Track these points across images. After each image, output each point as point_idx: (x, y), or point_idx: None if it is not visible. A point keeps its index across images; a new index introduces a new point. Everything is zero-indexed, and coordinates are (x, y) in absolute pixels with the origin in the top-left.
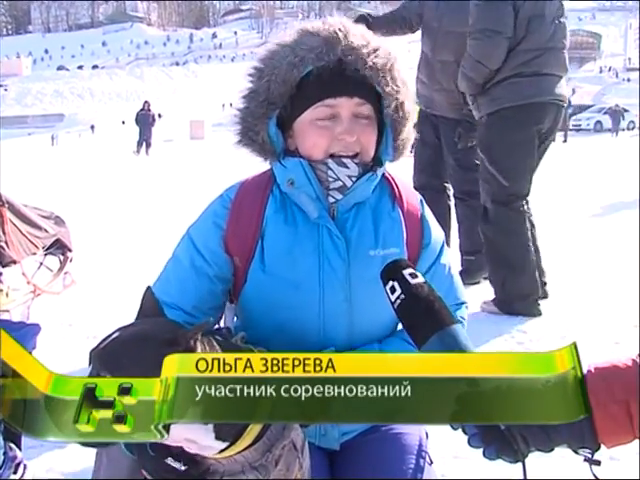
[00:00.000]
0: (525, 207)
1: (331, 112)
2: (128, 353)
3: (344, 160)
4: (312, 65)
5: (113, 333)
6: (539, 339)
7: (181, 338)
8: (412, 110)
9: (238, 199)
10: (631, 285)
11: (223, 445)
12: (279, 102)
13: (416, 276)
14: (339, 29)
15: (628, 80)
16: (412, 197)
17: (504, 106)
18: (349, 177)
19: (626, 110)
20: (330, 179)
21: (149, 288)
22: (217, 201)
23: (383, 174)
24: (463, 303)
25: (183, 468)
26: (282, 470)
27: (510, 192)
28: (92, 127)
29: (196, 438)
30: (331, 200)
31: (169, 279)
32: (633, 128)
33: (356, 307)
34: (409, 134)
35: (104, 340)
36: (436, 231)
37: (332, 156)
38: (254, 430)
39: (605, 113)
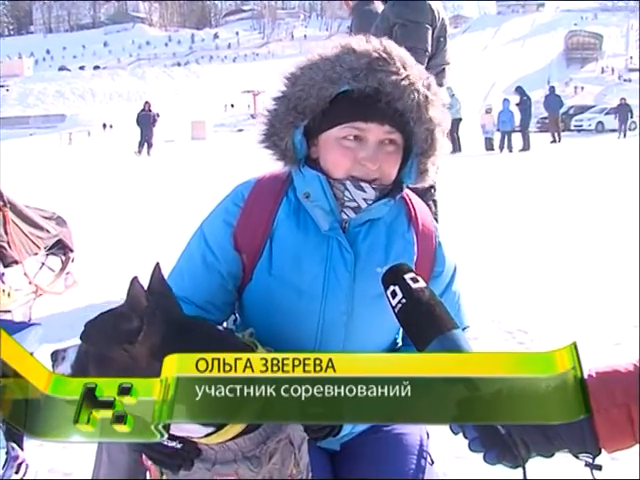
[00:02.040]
0: (433, 193)
1: (359, 134)
2: (97, 326)
3: (362, 184)
4: (349, 85)
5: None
6: (540, 338)
7: (129, 310)
8: (443, 142)
9: (252, 197)
10: (632, 285)
11: (206, 430)
12: (309, 114)
13: (417, 280)
14: (382, 55)
15: (630, 81)
16: (428, 220)
17: None
18: (365, 200)
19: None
20: (346, 198)
21: (157, 265)
22: (230, 197)
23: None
24: (466, 328)
25: (179, 446)
26: (277, 465)
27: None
28: (104, 125)
29: None
30: (344, 217)
31: (182, 273)
32: (634, 129)
33: (354, 321)
34: (435, 162)
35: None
36: (449, 259)
37: (352, 177)
38: None
39: (607, 113)
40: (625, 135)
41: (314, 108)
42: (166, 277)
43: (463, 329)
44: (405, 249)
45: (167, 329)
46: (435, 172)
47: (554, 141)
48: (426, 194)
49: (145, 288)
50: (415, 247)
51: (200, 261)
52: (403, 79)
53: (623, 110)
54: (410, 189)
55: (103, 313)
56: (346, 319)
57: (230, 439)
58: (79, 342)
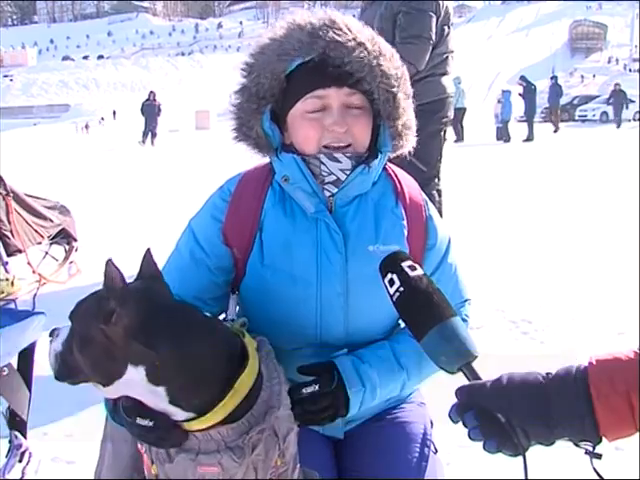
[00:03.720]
0: (437, 183)
1: (321, 103)
2: (81, 305)
3: (336, 155)
4: (299, 58)
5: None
6: (544, 329)
7: (106, 290)
8: (407, 104)
9: (238, 191)
10: (635, 275)
11: (186, 414)
12: (269, 96)
13: (415, 268)
14: (325, 23)
15: (638, 71)
16: (416, 195)
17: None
18: (342, 171)
19: (632, 101)
20: (324, 173)
21: (149, 250)
22: (217, 193)
23: (386, 169)
24: (466, 300)
25: (150, 424)
26: (260, 456)
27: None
28: (114, 113)
29: (149, 400)
30: (327, 194)
31: (171, 270)
32: (639, 119)
33: (352, 302)
34: (407, 124)
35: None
36: (442, 231)
37: (325, 147)
38: (229, 405)
39: (610, 104)
40: (619, 125)
41: (273, 90)
42: None
43: (464, 301)
44: (395, 225)
45: (149, 311)
46: (412, 137)
47: (556, 130)
48: (430, 184)
49: (119, 270)
50: (405, 221)
51: (189, 257)
52: (350, 40)
53: (618, 97)
54: (414, 178)
55: (91, 293)
56: (343, 301)
57: (212, 427)
58: None
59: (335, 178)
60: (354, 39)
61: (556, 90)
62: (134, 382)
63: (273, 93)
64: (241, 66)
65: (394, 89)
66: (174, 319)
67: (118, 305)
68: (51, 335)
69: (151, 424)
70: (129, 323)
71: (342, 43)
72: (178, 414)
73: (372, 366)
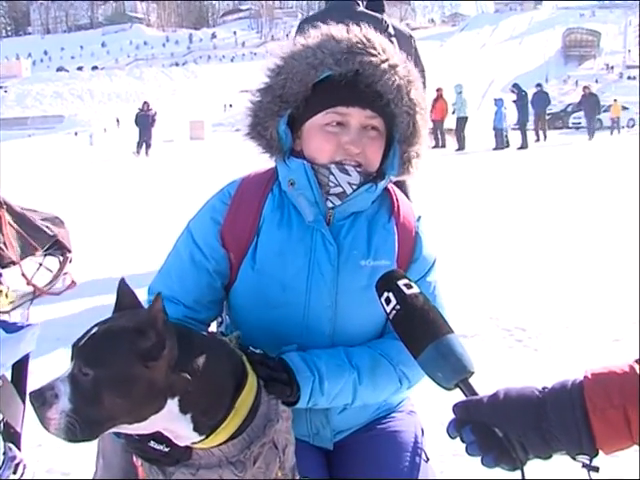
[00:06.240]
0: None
1: (341, 120)
2: (104, 347)
3: (346, 167)
4: (330, 70)
5: (91, 329)
6: (537, 336)
7: (147, 326)
8: (424, 131)
9: (238, 195)
10: (631, 282)
11: (199, 438)
12: (292, 101)
13: (411, 287)
14: (362, 40)
15: (634, 78)
16: (409, 212)
17: None
18: (349, 184)
19: (605, 109)
20: (331, 184)
21: (123, 280)
22: (217, 196)
23: (386, 187)
24: None
25: (166, 450)
26: (261, 468)
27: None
28: (117, 120)
29: (174, 428)
30: (329, 205)
31: (170, 273)
32: (633, 126)
33: (340, 315)
34: (419, 152)
35: (83, 336)
36: (428, 249)
37: (335, 162)
38: (230, 426)
39: (605, 111)
40: (592, 135)
41: (297, 96)
42: (154, 278)
43: None
44: (386, 240)
45: (184, 341)
46: (419, 165)
47: (538, 140)
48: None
49: (164, 308)
50: (396, 236)
51: (188, 260)
52: (383, 61)
53: (589, 102)
54: None
55: (114, 333)
56: (331, 312)
57: (215, 445)
58: (59, 376)
59: (341, 190)
60: (387, 61)
61: (542, 98)
62: (169, 413)
63: (296, 99)
64: (269, 66)
65: (417, 115)
66: (199, 344)
67: (162, 343)
68: (40, 402)
69: (167, 450)
70: (172, 357)
71: (376, 64)
72: (195, 438)
73: (320, 358)
